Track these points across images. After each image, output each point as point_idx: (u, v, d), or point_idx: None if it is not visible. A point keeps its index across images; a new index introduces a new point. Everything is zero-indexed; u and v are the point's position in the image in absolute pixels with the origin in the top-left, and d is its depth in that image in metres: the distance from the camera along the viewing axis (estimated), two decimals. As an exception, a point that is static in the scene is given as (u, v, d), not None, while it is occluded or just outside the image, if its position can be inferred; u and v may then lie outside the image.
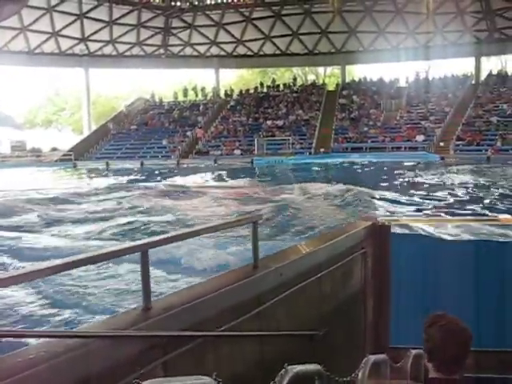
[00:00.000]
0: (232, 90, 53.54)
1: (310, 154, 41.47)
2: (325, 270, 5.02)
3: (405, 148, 39.89)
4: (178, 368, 2.98)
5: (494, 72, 48.70)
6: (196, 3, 51.05)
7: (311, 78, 64.52)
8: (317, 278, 4.87)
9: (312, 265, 4.84)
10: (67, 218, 16.12)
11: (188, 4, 50.72)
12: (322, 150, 41.51)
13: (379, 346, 5.80)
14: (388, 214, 14.59)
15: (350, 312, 5.77)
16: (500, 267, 6.02)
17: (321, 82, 56.65)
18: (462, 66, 51.49)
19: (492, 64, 52.28)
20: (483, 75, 48.60)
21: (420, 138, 40.37)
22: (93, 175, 35.37)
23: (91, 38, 50.11)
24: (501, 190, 20.61)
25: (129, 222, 14.83)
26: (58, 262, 2.74)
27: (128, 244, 3.30)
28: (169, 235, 3.64)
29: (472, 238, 8.18)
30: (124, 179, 31.07)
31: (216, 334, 3.46)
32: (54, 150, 48.54)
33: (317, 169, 34.33)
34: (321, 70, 67.12)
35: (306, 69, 66.21)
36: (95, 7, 48.18)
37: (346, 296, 5.62)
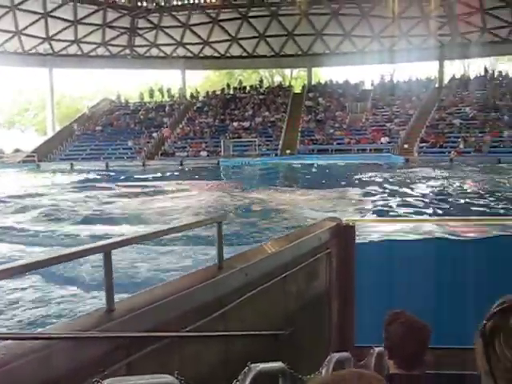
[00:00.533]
0: (198, 92, 53.37)
1: (276, 155, 41.61)
2: (290, 270, 5.03)
3: (370, 150, 40.36)
4: (143, 369, 2.95)
5: (457, 76, 49.61)
6: (162, 4, 50.73)
7: (278, 80, 64.78)
8: (282, 278, 4.88)
9: (277, 265, 4.86)
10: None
11: (154, 4, 50.39)
12: (288, 151, 41.70)
13: (344, 345, 5.84)
14: (352, 214, 14.75)
15: (315, 312, 5.80)
16: (460, 265, 6.13)
17: (287, 84, 56.92)
18: (425, 69, 52.34)
19: (455, 68, 53.28)
20: (446, 79, 49.49)
21: (385, 140, 40.90)
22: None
23: (55, 37, 49.42)
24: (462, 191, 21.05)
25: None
26: (18, 263, 2.68)
27: (90, 245, 3.25)
28: (132, 236, 3.61)
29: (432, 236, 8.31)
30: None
31: (180, 335, 3.44)
32: (17, 151, 47.63)
33: (283, 170, 34.49)
34: (287, 72, 67.43)
35: (273, 71, 66.42)
36: (60, 6, 47.53)
37: (311, 296, 5.64)
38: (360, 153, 39.93)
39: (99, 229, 14.01)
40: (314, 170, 33.24)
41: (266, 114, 47.50)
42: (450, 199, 18.81)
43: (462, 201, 18.29)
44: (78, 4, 48.16)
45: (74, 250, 3.07)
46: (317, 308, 5.82)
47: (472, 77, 48.72)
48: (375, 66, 51.97)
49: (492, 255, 6.19)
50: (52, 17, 48.00)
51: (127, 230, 12.68)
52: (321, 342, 5.82)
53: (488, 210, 15.97)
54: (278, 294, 4.91)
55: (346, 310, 6.21)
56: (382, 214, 15.43)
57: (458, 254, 6.25)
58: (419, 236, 7.24)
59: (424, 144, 39.31)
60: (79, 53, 51.40)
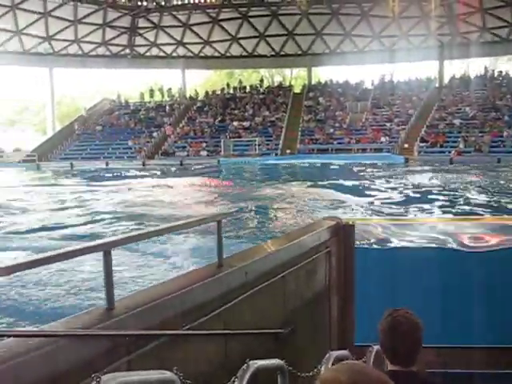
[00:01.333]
0: (197, 94, 53.30)
1: (276, 155, 41.63)
2: (289, 268, 5.04)
3: (370, 149, 40.37)
4: (143, 367, 2.95)
5: (457, 76, 49.60)
6: (162, 3, 50.73)
7: (278, 79, 64.78)
8: (281, 277, 4.89)
9: (277, 264, 4.86)
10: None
11: (154, 4, 50.40)
12: (288, 151, 41.71)
13: (344, 344, 5.85)
14: (352, 213, 14.77)
15: (315, 311, 5.81)
16: (462, 269, 6.14)
17: (287, 83, 56.89)
18: (425, 69, 52.32)
19: (455, 68, 53.27)
20: (446, 78, 49.49)
21: (385, 139, 40.90)
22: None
23: (56, 37, 49.42)
24: (465, 191, 21.04)
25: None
26: (16, 261, 2.67)
27: (90, 243, 3.25)
28: (132, 234, 3.62)
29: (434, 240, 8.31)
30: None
31: (180, 333, 3.45)
32: (17, 150, 47.63)
33: (283, 170, 34.49)
34: (287, 71, 67.46)
35: (273, 70, 66.43)
36: (60, 6, 47.51)
37: (310, 295, 5.65)
38: (360, 152, 39.94)
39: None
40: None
41: (266, 113, 47.52)
42: (450, 198, 18.80)
43: (462, 200, 18.28)
44: (79, 4, 48.14)
45: (73, 248, 3.07)
46: (316, 307, 5.83)
47: (472, 76, 48.69)
48: (375, 66, 52.04)
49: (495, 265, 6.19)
50: (52, 16, 48.01)
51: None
52: (320, 341, 5.83)
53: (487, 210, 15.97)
54: (278, 293, 4.92)
55: (346, 308, 6.22)
56: (382, 213, 15.43)
57: (461, 259, 6.26)
58: (421, 238, 7.23)
59: (424, 144, 39.30)
60: (79, 52, 51.43)
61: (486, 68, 49.13)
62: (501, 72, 48.51)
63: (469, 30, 46.74)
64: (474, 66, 53.16)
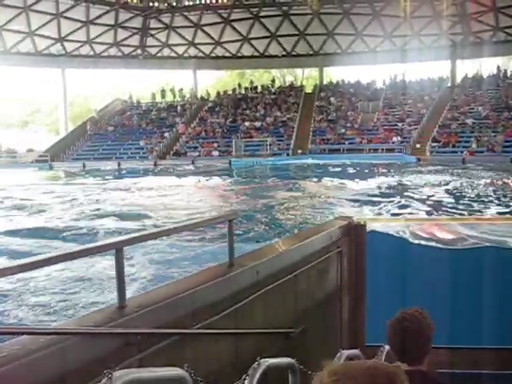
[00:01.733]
0: (209, 95, 53.32)
1: (287, 155, 41.59)
2: (301, 268, 5.04)
3: (382, 150, 40.21)
4: (154, 365, 2.98)
5: (470, 75, 49.31)
6: (174, 4, 50.85)
7: (289, 79, 64.72)
8: (293, 277, 4.89)
9: (288, 263, 4.86)
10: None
11: (166, 5, 50.53)
12: (299, 151, 41.66)
13: (355, 344, 5.84)
14: (364, 213, 14.73)
15: (326, 311, 5.80)
16: (476, 268, 6.11)
17: (299, 83, 56.79)
18: (438, 68, 52.07)
19: (467, 67, 52.97)
20: (459, 78, 49.21)
21: (397, 139, 40.73)
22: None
23: (68, 38, 49.66)
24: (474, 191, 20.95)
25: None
26: (28, 260, 2.69)
27: (103, 241, 3.28)
28: (144, 233, 3.64)
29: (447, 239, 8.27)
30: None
31: (191, 332, 3.47)
32: (30, 150, 47.89)
33: (295, 170, 34.47)
34: (299, 71, 67.37)
35: (285, 70, 66.38)
36: (72, 7, 47.73)
37: (321, 295, 5.65)
38: (372, 152, 39.80)
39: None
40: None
41: (278, 113, 47.47)
42: (463, 199, 18.70)
43: (475, 201, 18.18)
44: (91, 5, 48.38)
45: (85, 246, 3.10)
46: (328, 307, 5.83)
47: (485, 76, 48.38)
48: (387, 66, 51.83)
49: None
50: (64, 17, 48.23)
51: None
52: (332, 341, 5.83)
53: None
54: (289, 293, 4.92)
55: (357, 308, 6.21)
56: (394, 213, 15.36)
57: (472, 257, 6.23)
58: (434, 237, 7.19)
59: (436, 144, 39.09)
60: (91, 53, 51.64)
61: (498, 67, 48.80)
62: (514, 71, 48.21)
63: (481, 29, 46.43)
64: (487, 66, 52.91)
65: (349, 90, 49.81)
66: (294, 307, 5.03)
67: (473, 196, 19.65)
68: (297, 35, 52.13)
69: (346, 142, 42.06)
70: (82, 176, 34.30)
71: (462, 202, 18.03)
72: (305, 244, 5.24)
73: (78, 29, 49.43)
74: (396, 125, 42.80)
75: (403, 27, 47.37)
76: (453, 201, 18.21)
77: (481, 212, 15.47)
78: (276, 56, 53.51)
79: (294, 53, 53.30)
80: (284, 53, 53.33)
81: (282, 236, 11.02)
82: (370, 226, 6.38)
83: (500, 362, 5.60)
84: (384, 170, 30.86)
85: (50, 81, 58.02)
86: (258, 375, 2.61)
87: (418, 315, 2.62)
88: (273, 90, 52.82)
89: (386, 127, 42.78)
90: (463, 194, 20.41)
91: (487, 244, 6.54)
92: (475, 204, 17.39)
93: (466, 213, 15.29)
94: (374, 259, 6.21)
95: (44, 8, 46.61)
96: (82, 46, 50.85)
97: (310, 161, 38.30)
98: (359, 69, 55.43)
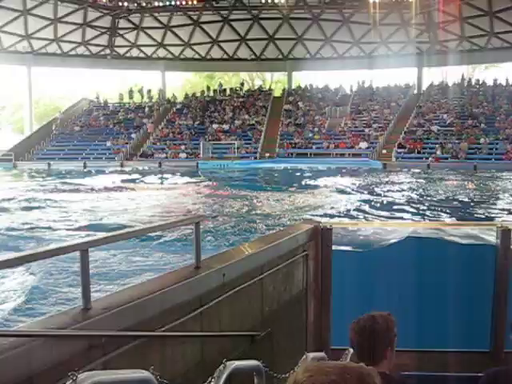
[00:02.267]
0: (175, 98, 52.98)
1: (255, 158, 41.65)
2: (267, 271, 5.05)
3: (348, 154, 40.58)
4: (119, 367, 2.95)
5: (436, 83, 50.18)
6: (143, 4, 50.50)
7: (258, 83, 64.86)
8: (259, 280, 4.90)
9: (255, 266, 4.87)
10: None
11: (135, 5, 50.14)
12: (267, 155, 41.75)
13: (320, 347, 5.87)
14: (330, 217, 14.85)
15: (292, 314, 5.82)
16: (439, 267, 6.21)
17: (267, 87, 57.01)
18: (404, 75, 52.76)
19: (433, 75, 53.85)
20: (425, 86, 50.02)
21: (363, 144, 41.13)
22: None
23: (35, 35, 48.88)
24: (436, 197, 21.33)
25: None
26: None
27: (66, 243, 3.23)
28: (110, 234, 3.60)
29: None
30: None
31: (157, 335, 3.44)
32: (-7, 149, 47.00)
33: (263, 174, 34.54)
34: (268, 75, 67.57)
35: (254, 74, 66.52)
36: (40, 4, 47.03)
37: (287, 298, 5.66)
38: (339, 157, 40.11)
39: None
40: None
41: (246, 116, 47.52)
42: (426, 203, 19.01)
43: (438, 205, 18.51)
44: (59, 2, 47.69)
45: (50, 247, 3.06)
46: (293, 310, 5.85)
47: (450, 84, 49.29)
48: (355, 72, 52.35)
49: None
50: (31, 14, 47.49)
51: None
52: (297, 344, 5.84)
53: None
54: (255, 295, 4.92)
55: (323, 312, 6.24)
56: (359, 217, 15.54)
57: (434, 255, 6.33)
58: (394, 239, 7.30)
59: (402, 150, 39.63)
60: (59, 51, 50.92)
61: (463, 76, 49.77)
62: (478, 80, 49.22)
63: (447, 38, 47.34)
64: (452, 74, 53.90)
65: (317, 94, 50.13)
66: (261, 310, 5.04)
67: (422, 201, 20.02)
68: (266, 39, 52.34)
69: (314, 147, 42.32)
70: (44, 177, 33.77)
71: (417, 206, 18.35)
72: (271, 247, 5.25)
73: (46, 26, 48.71)
74: (363, 130, 43.25)
75: (371, 34, 48.01)
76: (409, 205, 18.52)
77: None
78: (245, 59, 53.63)
79: (263, 56, 53.48)
80: (253, 56, 53.47)
81: (248, 240, 11.04)
82: (336, 230, 6.44)
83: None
84: (350, 175, 31.17)
85: (15, 79, 56.99)
86: (224, 377, 2.61)
87: (377, 315, 2.66)
88: (241, 94, 52.84)
89: (353, 132, 43.19)
90: (420, 199, 20.78)
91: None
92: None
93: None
94: (339, 262, 6.26)
95: (10, 4, 45.71)
96: (49, 44, 50.11)
97: (278, 165, 38.42)
98: (327, 74, 55.94)
